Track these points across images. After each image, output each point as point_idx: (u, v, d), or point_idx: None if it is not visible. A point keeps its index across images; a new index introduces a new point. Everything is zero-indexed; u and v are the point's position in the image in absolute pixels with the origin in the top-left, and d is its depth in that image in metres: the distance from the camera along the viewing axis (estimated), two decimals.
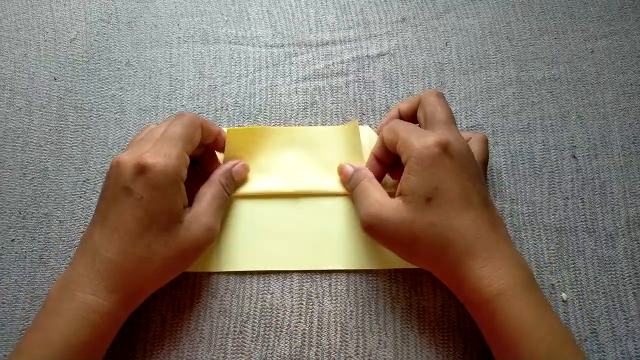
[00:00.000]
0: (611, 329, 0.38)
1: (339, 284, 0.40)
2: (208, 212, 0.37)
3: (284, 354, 0.38)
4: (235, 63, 0.47)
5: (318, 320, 0.39)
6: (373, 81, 0.46)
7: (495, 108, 0.45)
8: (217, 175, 0.39)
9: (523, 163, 0.43)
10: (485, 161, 0.39)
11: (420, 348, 0.38)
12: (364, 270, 0.40)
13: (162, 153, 0.34)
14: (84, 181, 0.43)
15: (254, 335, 0.38)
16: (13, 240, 0.41)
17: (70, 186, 0.43)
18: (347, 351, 0.38)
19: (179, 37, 0.48)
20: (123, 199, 0.33)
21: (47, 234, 0.41)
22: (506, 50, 0.47)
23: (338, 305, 0.39)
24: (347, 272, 0.40)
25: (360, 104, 0.45)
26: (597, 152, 0.44)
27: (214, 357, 0.38)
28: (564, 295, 0.39)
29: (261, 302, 0.39)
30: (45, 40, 0.48)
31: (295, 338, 0.38)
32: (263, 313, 0.39)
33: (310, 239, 0.40)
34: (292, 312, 0.39)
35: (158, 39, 0.48)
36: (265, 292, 0.39)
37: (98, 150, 0.44)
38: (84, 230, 0.41)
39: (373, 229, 0.35)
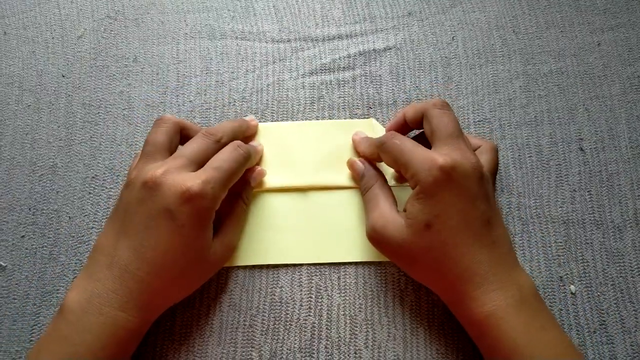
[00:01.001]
0: (620, 321, 0.39)
1: (347, 277, 0.40)
2: (231, 231, 0.39)
3: (294, 347, 0.38)
4: (242, 58, 0.47)
5: (327, 313, 0.39)
6: (380, 75, 0.46)
7: (502, 101, 0.45)
8: (236, 188, 0.39)
9: (530, 156, 0.43)
10: (493, 171, 0.38)
11: (430, 341, 0.38)
12: (372, 263, 0.40)
13: (211, 185, 0.34)
14: (93, 177, 0.43)
15: (264, 329, 0.38)
16: (23, 236, 0.41)
17: (79, 182, 0.43)
18: (357, 344, 0.38)
19: (186, 33, 0.48)
20: (163, 222, 0.33)
21: (57, 230, 0.41)
22: (513, 44, 0.47)
23: (347, 298, 0.39)
24: (356, 265, 0.40)
25: (367, 98, 0.45)
26: (605, 144, 0.44)
27: (224, 351, 0.38)
28: (572, 287, 0.39)
29: (270, 295, 0.39)
30: (53, 38, 0.48)
31: (305, 331, 0.38)
32: (272, 306, 0.39)
33: (319, 231, 0.41)
34: (301, 305, 0.39)
35: (165, 35, 0.48)
36: (275, 285, 0.40)
37: (106, 147, 0.44)
38: (94, 226, 0.41)
39: (376, 242, 0.37)
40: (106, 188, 0.42)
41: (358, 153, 0.42)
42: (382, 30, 0.48)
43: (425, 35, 0.48)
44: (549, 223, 0.41)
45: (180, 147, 0.39)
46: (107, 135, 0.44)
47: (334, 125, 0.44)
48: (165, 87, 0.46)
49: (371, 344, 0.38)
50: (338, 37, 0.48)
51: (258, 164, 0.42)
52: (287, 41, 0.48)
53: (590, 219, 0.41)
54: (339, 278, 0.40)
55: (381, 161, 0.39)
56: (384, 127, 0.43)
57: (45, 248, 0.41)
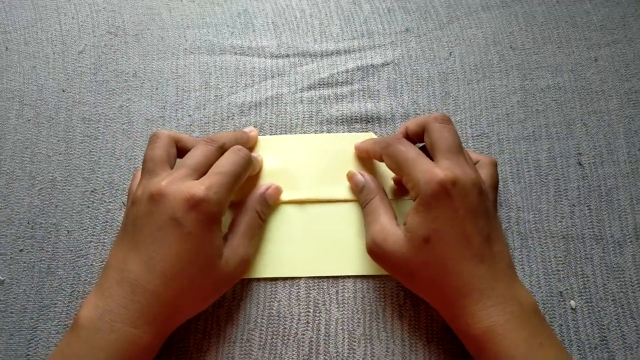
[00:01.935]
0: (622, 337, 0.38)
1: (345, 291, 0.40)
2: (244, 243, 0.38)
3: None
4: (241, 73, 0.47)
5: (325, 327, 0.38)
6: (378, 90, 0.47)
7: (500, 116, 0.45)
8: (252, 202, 0.39)
9: (529, 171, 0.43)
10: (494, 185, 0.38)
11: (429, 356, 0.38)
12: (371, 277, 0.40)
13: (214, 190, 0.34)
14: (92, 191, 0.43)
15: (261, 343, 0.38)
16: (22, 250, 0.41)
17: (78, 196, 0.43)
18: (355, 359, 0.37)
19: (185, 49, 0.49)
20: (170, 230, 0.33)
21: (56, 244, 0.41)
22: (510, 60, 0.48)
23: (345, 312, 0.39)
24: (354, 279, 0.40)
25: (365, 113, 0.46)
26: (603, 159, 0.44)
27: None
28: (572, 302, 0.39)
29: (268, 309, 0.39)
30: (54, 53, 0.48)
31: (303, 346, 0.38)
32: (270, 320, 0.39)
33: (317, 244, 0.41)
34: (299, 319, 0.39)
35: (165, 51, 0.49)
36: (272, 299, 0.39)
37: (105, 161, 0.44)
38: (92, 240, 0.41)
39: (376, 255, 0.37)
40: (105, 202, 0.43)
41: (359, 154, 0.42)
42: (380, 46, 0.48)
43: (422, 50, 0.48)
44: (548, 238, 0.41)
45: (178, 160, 0.39)
46: (106, 149, 0.45)
47: (333, 139, 0.44)
48: (164, 101, 0.46)
49: (370, 359, 0.37)
50: (336, 53, 0.48)
51: (258, 175, 0.42)
52: (286, 56, 0.48)
53: (589, 234, 0.41)
54: (337, 292, 0.39)
55: (382, 161, 0.39)
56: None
57: (43, 262, 0.41)
